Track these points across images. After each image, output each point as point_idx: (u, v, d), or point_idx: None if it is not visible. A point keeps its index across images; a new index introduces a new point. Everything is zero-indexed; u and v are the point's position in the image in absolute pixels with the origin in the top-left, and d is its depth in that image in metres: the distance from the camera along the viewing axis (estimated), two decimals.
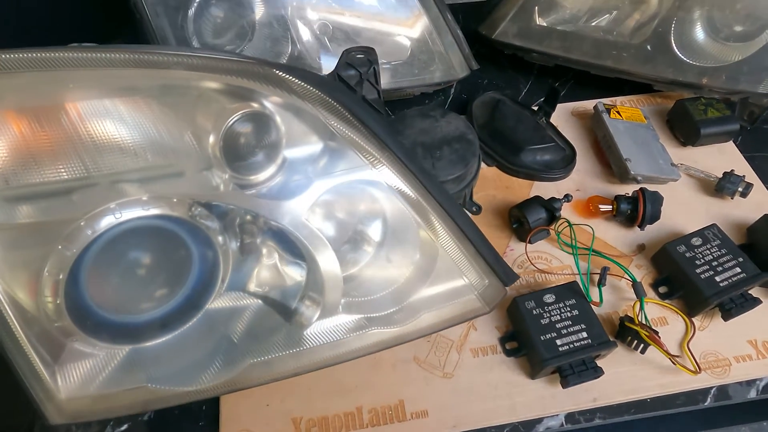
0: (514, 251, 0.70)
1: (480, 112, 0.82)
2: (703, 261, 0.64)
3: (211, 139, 0.46)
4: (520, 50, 0.86)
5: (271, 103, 0.46)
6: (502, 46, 0.87)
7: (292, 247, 0.50)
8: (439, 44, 0.79)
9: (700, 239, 0.66)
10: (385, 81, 0.81)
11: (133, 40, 0.96)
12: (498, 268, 0.53)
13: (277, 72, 0.46)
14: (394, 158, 0.48)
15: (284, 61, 0.79)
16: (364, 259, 0.53)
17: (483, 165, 0.78)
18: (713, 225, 0.67)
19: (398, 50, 0.81)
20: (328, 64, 0.81)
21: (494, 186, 0.76)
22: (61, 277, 0.42)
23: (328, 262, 0.48)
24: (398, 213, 0.51)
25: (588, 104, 0.86)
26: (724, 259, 0.64)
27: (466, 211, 0.73)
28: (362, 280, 0.52)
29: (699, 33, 0.77)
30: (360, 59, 0.55)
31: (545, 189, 0.76)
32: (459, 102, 0.89)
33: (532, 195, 0.75)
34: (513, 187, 0.76)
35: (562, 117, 0.84)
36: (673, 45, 0.77)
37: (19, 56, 0.41)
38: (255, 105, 0.46)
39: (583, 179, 0.77)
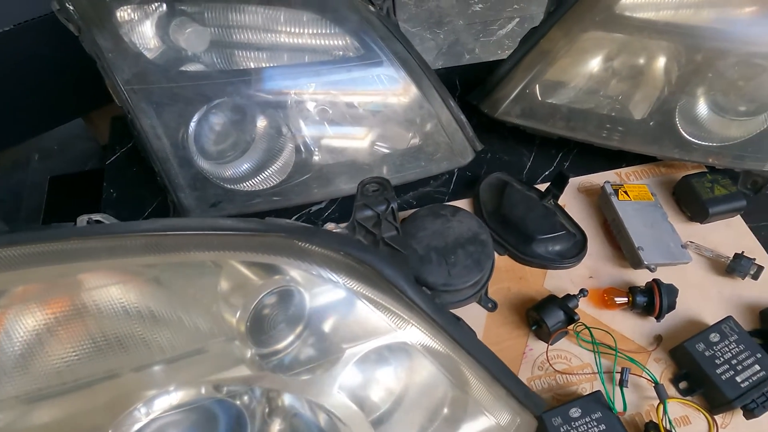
0: (533, 351, 0.70)
1: (488, 197, 0.82)
2: (722, 360, 0.64)
3: (237, 315, 0.44)
4: (522, 126, 0.85)
5: (294, 272, 0.45)
6: (504, 123, 0.86)
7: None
8: (444, 134, 0.78)
9: (718, 335, 0.66)
10: (392, 174, 0.80)
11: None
12: (528, 403, 0.53)
13: (299, 243, 0.44)
14: (422, 316, 0.47)
15: (285, 158, 0.77)
16: (390, 408, 0.52)
17: (495, 254, 0.77)
18: (729, 318, 0.67)
19: (401, 138, 0.80)
20: (325, 156, 0.80)
21: (508, 278, 0.75)
22: None
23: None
24: (426, 367, 0.50)
25: (594, 179, 0.86)
26: (743, 356, 0.64)
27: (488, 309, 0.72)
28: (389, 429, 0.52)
29: (703, 110, 0.77)
30: (376, 198, 0.54)
31: (558, 276, 0.76)
32: (463, 179, 0.88)
33: (545, 283, 0.75)
34: (526, 278, 0.76)
35: (570, 193, 0.84)
36: (678, 125, 0.77)
37: (27, 251, 0.40)
38: (277, 277, 0.45)
39: (595, 264, 0.77)
